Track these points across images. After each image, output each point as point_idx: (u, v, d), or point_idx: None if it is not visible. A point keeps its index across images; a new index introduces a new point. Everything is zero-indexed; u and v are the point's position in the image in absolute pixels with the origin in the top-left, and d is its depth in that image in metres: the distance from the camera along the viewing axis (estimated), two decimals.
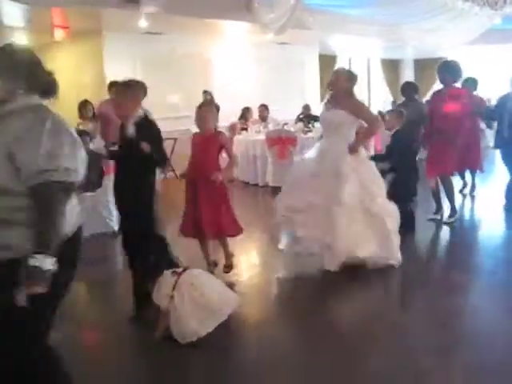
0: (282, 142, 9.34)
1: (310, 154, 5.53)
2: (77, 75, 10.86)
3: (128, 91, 4.10)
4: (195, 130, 10.61)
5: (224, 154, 4.94)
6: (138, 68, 10.77)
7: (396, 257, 5.09)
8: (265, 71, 12.73)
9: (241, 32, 10.98)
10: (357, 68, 15.64)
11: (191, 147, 4.93)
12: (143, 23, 9.13)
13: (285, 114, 10.77)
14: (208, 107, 4.97)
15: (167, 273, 3.69)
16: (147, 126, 4.11)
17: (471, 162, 7.91)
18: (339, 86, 5.23)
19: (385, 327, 3.96)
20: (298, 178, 5.38)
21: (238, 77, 12.36)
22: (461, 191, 8.46)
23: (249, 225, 5.64)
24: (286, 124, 10.25)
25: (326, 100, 5.75)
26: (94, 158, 5.50)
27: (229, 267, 5.02)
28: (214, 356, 3.56)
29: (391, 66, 16.91)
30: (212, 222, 4.70)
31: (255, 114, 11.20)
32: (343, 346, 3.68)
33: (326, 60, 14.20)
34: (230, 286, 4.47)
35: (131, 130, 4.02)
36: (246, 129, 10.85)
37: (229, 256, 5.03)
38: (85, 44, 10.58)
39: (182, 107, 11.33)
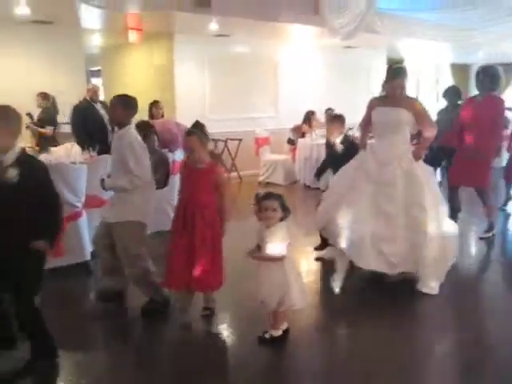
0: None
1: (361, 157, 5.16)
2: (148, 76, 11.21)
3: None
4: (259, 131, 10.88)
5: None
6: (205, 69, 11.02)
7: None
8: (331, 75, 12.73)
9: (308, 35, 11.01)
10: (425, 72, 15.38)
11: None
12: (213, 26, 9.33)
13: (350, 118, 10.72)
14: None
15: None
16: None
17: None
18: (398, 84, 4.94)
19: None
20: (354, 187, 4.98)
21: (305, 80, 12.41)
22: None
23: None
24: (350, 129, 10.18)
25: (374, 97, 5.30)
26: (161, 159, 5.73)
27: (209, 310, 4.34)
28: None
29: (461, 71, 16.49)
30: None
31: (320, 118, 11.19)
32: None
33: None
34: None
35: None
36: (307, 133, 10.86)
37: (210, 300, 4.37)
38: (156, 46, 10.89)
39: (249, 109, 11.50)
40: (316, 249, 5.82)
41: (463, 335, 4.05)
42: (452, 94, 7.45)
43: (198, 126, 4.09)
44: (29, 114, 8.35)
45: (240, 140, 10.96)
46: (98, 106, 7.74)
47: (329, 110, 10.82)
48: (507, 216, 7.86)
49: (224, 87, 11.22)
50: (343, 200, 4.98)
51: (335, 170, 5.49)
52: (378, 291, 4.78)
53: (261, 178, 10.91)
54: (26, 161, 3.22)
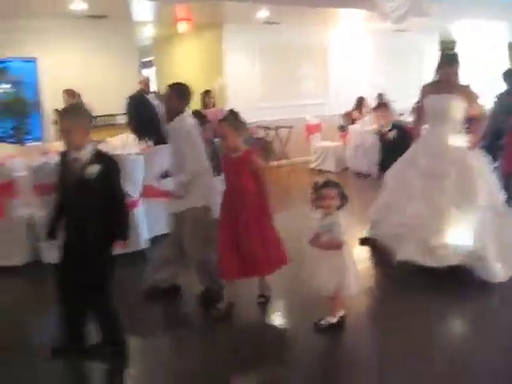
0: None
1: (413, 151, 5.10)
2: (198, 65, 11.34)
3: None
4: (310, 118, 10.85)
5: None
6: (256, 58, 11.05)
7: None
8: (382, 59, 12.53)
9: (358, 20, 10.88)
10: (480, 55, 14.91)
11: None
12: (263, 14, 9.34)
13: (402, 103, 10.58)
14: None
15: None
16: None
17: None
18: (453, 71, 4.87)
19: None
20: (406, 184, 4.98)
21: (355, 65, 12.28)
22: None
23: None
24: (402, 114, 10.05)
25: (426, 83, 5.22)
26: (216, 148, 5.82)
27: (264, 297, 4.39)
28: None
29: None
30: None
31: (371, 104, 11.05)
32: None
33: (446, 43, 13.63)
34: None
35: None
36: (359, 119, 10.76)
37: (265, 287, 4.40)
38: (206, 35, 11.00)
39: (299, 96, 11.48)
40: (362, 242, 5.69)
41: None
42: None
43: (232, 114, 4.11)
44: (56, 110, 8.57)
45: (290, 127, 10.96)
46: (151, 97, 7.87)
47: (380, 96, 10.68)
48: None
49: (274, 75, 11.24)
50: (396, 198, 5.01)
51: (392, 160, 5.41)
52: (428, 280, 4.68)
53: (312, 165, 10.90)
54: (102, 158, 3.34)
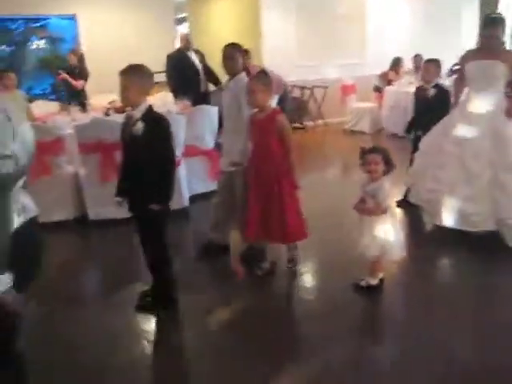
0: None
1: (451, 117, 5.03)
2: (234, 24, 11.28)
3: None
4: (345, 78, 10.73)
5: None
6: (293, 16, 10.89)
7: None
8: (419, 20, 12.21)
9: None
10: None
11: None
12: None
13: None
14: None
15: None
16: None
17: None
18: (494, 33, 4.68)
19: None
20: (440, 150, 4.92)
21: (392, 25, 12.02)
22: None
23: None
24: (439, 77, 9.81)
25: (468, 50, 5.13)
26: None
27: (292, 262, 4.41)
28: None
29: None
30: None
31: (407, 65, 10.87)
32: None
33: (487, 5, 13.21)
34: None
35: None
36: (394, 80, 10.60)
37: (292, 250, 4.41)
38: None
39: (335, 55, 11.34)
40: (398, 204, 5.65)
41: None
42: None
43: (263, 72, 4.12)
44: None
45: (326, 87, 10.88)
46: (192, 55, 7.81)
47: (417, 57, 10.49)
48: None
49: (311, 34, 11.09)
50: (430, 164, 4.99)
51: (425, 123, 5.36)
52: (462, 245, 4.70)
53: (347, 126, 10.85)
54: (151, 116, 3.43)
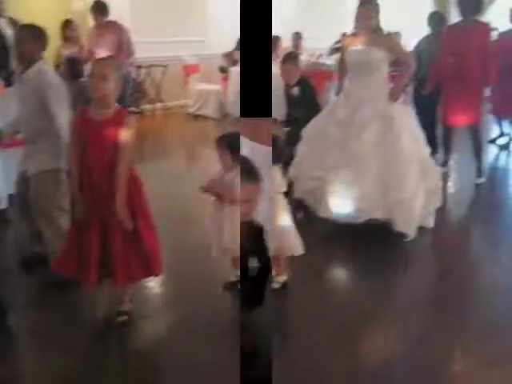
0: (317, 77, 8.36)
1: (334, 103, 4.98)
2: None
3: None
4: (187, 57, 9.72)
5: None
6: None
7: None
8: None
9: None
10: None
11: None
12: None
13: (320, 43, 9.86)
14: None
15: None
16: None
17: None
18: (368, 19, 4.56)
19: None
20: (323, 135, 4.75)
21: None
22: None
23: None
24: (320, 55, 9.45)
25: (346, 35, 5.18)
26: None
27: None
28: None
29: None
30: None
31: (285, 44, 10.08)
32: None
33: None
34: None
35: None
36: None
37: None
38: None
39: (175, 31, 10.22)
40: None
41: None
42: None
43: None
44: None
45: (165, 66, 9.90)
46: (1, 22, 6.46)
47: (297, 35, 9.99)
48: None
49: (147, 6, 9.89)
50: (314, 150, 4.77)
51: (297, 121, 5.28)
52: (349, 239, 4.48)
53: (190, 110, 9.99)
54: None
